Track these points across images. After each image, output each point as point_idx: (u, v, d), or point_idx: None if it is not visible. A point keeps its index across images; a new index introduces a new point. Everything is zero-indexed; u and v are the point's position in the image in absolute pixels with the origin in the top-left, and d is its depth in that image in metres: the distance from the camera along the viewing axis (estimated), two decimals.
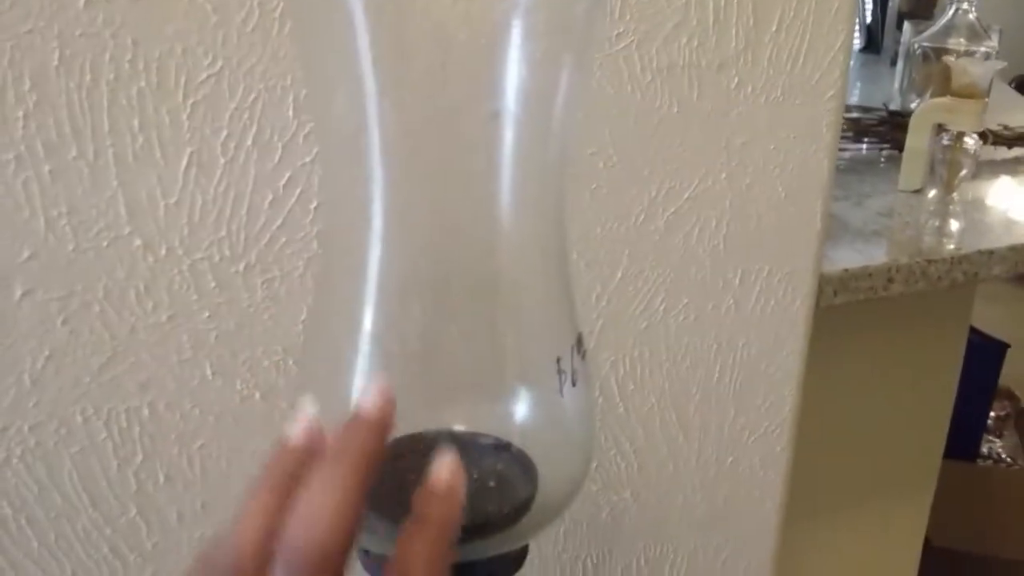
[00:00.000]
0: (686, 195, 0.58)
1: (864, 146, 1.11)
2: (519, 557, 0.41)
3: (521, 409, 0.40)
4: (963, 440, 2.01)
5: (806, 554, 1.07)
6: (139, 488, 0.49)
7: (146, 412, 0.48)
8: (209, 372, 0.49)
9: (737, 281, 0.63)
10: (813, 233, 0.64)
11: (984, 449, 2.22)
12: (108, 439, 0.48)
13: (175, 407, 0.48)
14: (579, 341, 0.38)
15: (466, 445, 0.42)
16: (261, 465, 0.30)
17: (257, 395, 0.50)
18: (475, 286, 0.39)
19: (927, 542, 1.28)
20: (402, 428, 0.40)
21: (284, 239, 0.48)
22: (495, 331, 0.39)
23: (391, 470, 0.40)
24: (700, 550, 0.70)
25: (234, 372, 0.49)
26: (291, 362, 0.50)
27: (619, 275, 0.59)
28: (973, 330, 1.74)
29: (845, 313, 0.81)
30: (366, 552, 0.40)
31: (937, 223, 0.85)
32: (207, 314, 0.48)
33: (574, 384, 0.38)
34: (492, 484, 0.41)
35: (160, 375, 0.48)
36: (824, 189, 0.63)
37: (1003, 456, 2.20)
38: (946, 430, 1.13)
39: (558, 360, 0.37)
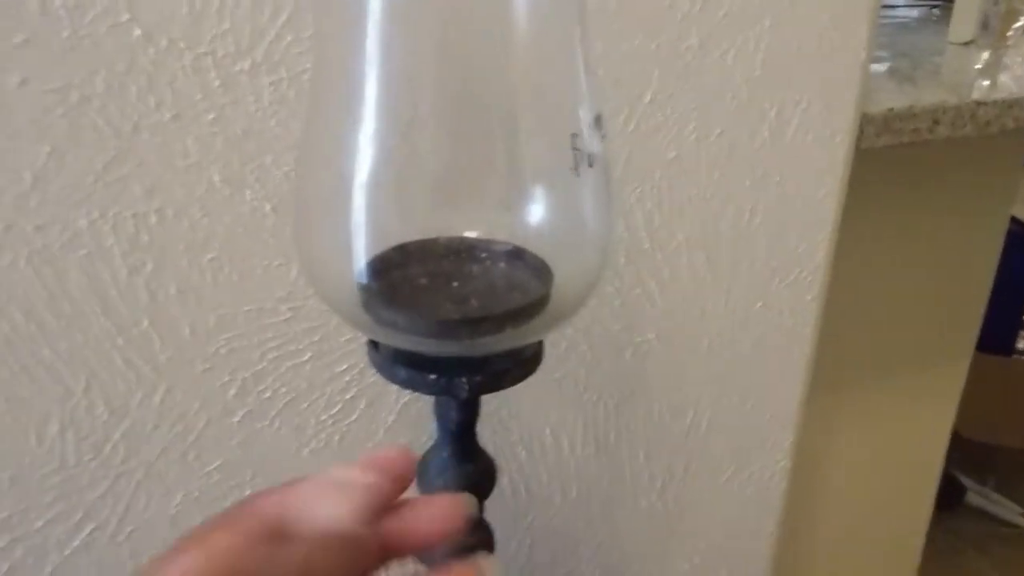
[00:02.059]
0: (723, 11, 0.55)
1: (915, 4, 1.04)
2: (534, 356, 0.39)
3: (536, 209, 0.38)
4: (998, 334, 1.98)
5: (832, 427, 1.06)
6: (151, 299, 0.48)
7: (154, 219, 0.47)
8: (217, 179, 0.47)
9: (774, 112, 0.59)
10: (857, 62, 0.60)
11: (1020, 345, 2.18)
12: (115, 245, 0.46)
13: (183, 215, 0.47)
14: (597, 121, 0.35)
15: (478, 250, 0.40)
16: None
17: (268, 207, 0.49)
18: (486, 70, 0.36)
19: (954, 432, 1.26)
20: (414, 233, 0.38)
21: (290, 37, 0.45)
22: (508, 117, 0.36)
23: (402, 274, 0.39)
24: (724, 397, 0.69)
25: (242, 181, 0.47)
26: None
27: (648, 98, 0.55)
28: (1014, 220, 1.68)
29: (886, 161, 0.78)
30: (375, 344, 0.38)
31: (988, 72, 0.80)
32: (212, 116, 0.46)
33: (591, 165, 0.35)
34: (505, 285, 0.39)
35: (166, 180, 0.46)
36: (871, 12, 0.58)
37: None
38: (984, 304, 1.09)
39: (573, 137, 0.34)
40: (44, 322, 0.47)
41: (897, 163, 0.79)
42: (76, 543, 0.52)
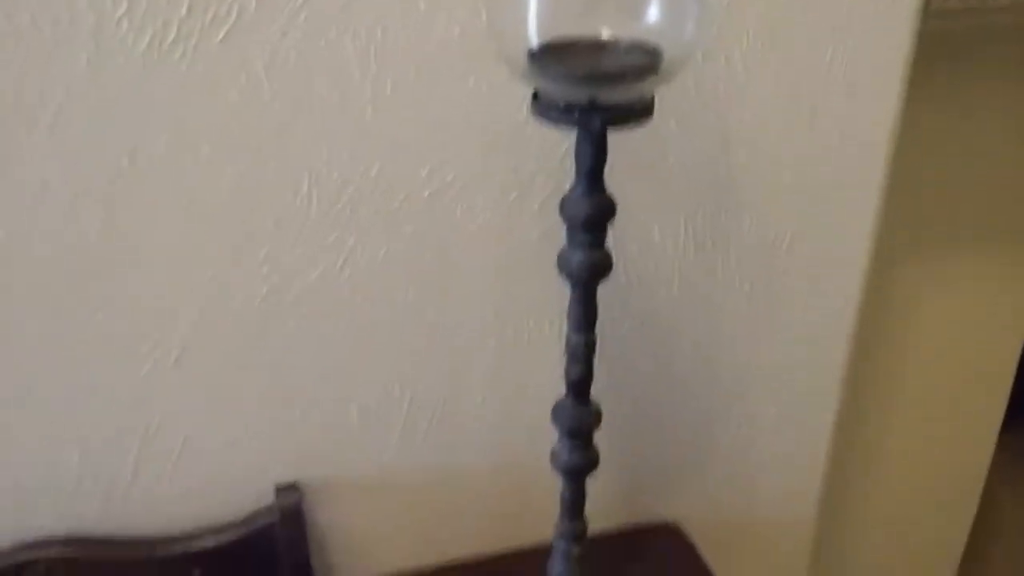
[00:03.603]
0: None
1: None
2: (645, 108, 0.56)
3: (654, 11, 0.55)
4: None
5: (910, 297, 1.17)
6: (374, 95, 0.68)
7: (378, 34, 0.66)
8: (422, 6, 0.66)
9: None
10: None
11: None
12: (352, 53, 0.66)
13: (399, 34, 0.66)
14: None
15: (610, 43, 0.57)
16: None
17: (456, 31, 0.67)
18: None
19: None
20: (565, 32, 0.56)
21: None
22: None
23: (557, 53, 0.56)
24: (803, 221, 0.84)
25: (438, 6, 0.66)
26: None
27: None
28: None
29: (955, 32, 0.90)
30: (535, 95, 0.56)
31: None
32: None
33: None
34: (627, 58, 0.56)
35: (388, 6, 0.65)
36: None
37: None
38: None
39: None
40: (304, 105, 0.67)
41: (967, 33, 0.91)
42: (312, 279, 0.73)
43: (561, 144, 0.73)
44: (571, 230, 0.62)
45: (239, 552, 0.78)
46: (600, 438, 0.70)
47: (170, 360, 0.72)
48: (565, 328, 0.66)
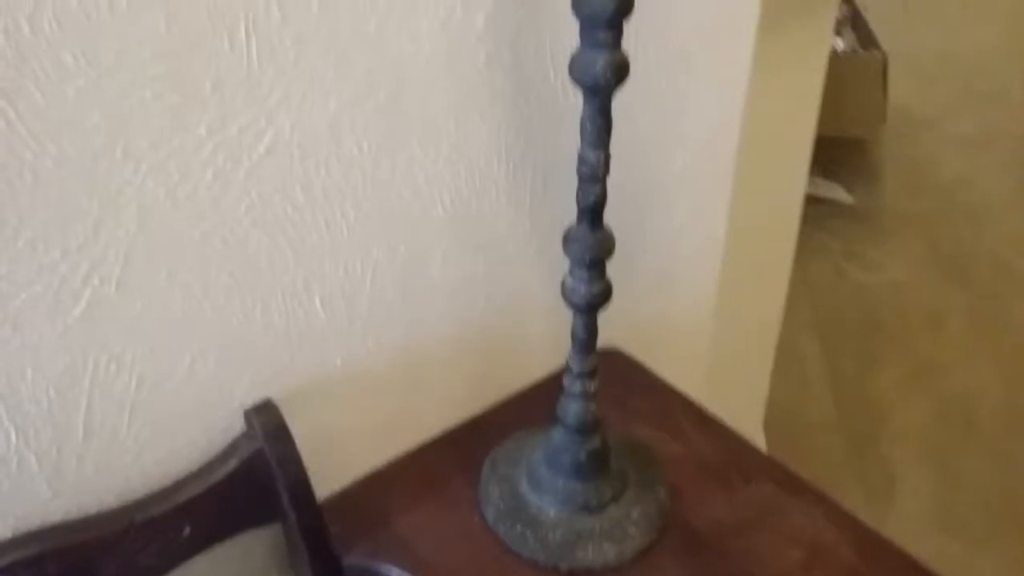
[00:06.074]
0: None
1: None
2: None
3: None
4: None
5: None
6: None
7: None
8: None
9: None
10: None
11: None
12: None
13: None
14: None
15: None
16: None
17: None
18: None
19: None
20: None
21: None
22: None
23: None
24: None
25: None
26: None
27: None
28: None
29: None
30: None
31: None
32: None
33: None
34: None
35: None
36: None
37: (845, 50, 2.48)
38: None
39: None
40: None
41: None
42: (261, 149, 0.60)
43: None
44: (590, 29, 0.56)
45: (230, 490, 0.66)
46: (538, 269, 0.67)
47: (111, 285, 0.57)
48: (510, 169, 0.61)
